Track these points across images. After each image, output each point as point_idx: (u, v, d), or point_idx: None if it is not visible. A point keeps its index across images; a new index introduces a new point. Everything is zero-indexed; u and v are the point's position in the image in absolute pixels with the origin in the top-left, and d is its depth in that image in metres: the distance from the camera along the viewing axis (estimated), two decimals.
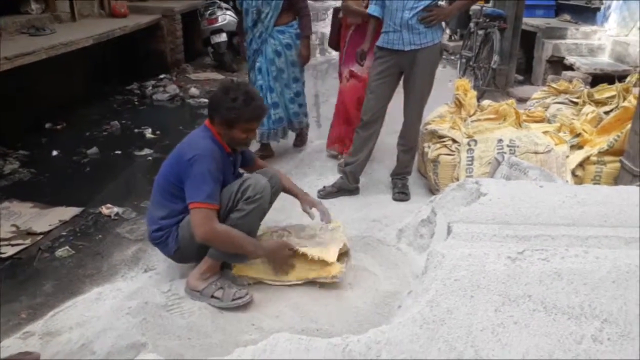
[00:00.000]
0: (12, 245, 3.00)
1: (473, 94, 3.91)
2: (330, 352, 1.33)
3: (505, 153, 3.24)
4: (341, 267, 2.39)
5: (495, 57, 5.56)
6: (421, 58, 3.20)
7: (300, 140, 4.58)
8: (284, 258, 2.39)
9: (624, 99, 3.52)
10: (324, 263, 2.38)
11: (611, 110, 3.49)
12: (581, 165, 3.27)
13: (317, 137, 4.99)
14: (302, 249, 2.41)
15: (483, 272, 1.43)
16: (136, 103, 6.13)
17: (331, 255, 2.39)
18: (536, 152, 3.25)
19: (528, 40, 6.69)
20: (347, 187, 3.62)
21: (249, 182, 2.34)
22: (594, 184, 3.23)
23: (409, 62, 3.23)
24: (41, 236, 3.11)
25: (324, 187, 3.67)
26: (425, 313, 1.38)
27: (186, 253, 2.40)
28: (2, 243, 3.01)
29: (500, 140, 3.33)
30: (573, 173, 3.25)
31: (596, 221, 1.67)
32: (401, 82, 3.41)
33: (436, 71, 3.40)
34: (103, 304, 2.26)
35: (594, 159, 3.24)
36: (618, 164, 3.11)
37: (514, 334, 1.33)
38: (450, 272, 1.44)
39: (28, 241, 3.05)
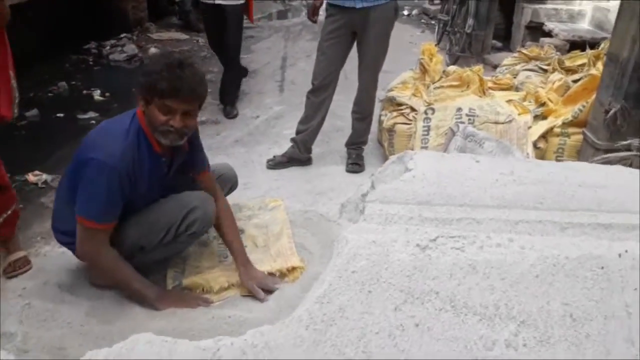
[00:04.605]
0: None
1: (439, 59, 3.63)
2: (197, 357, 1.12)
3: (463, 123, 3.01)
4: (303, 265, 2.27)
5: (470, 21, 5.27)
6: (374, 17, 2.91)
7: None
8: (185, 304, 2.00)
9: (595, 66, 3.28)
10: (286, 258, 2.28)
11: (580, 79, 3.25)
12: (544, 136, 3.05)
13: (278, 103, 4.72)
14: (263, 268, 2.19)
15: (386, 262, 1.22)
16: (91, 63, 5.77)
17: (294, 261, 2.26)
18: (496, 122, 3.02)
19: (508, 4, 6.36)
20: (298, 156, 3.39)
21: (197, 214, 1.95)
22: (557, 156, 3.03)
23: (361, 22, 2.95)
24: None
25: (274, 156, 3.44)
26: (314, 311, 1.16)
27: None
28: None
29: (459, 109, 3.09)
30: (535, 145, 3.03)
31: (531, 203, 1.45)
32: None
33: (392, 32, 3.12)
34: None
35: (557, 130, 3.02)
36: (582, 136, 2.90)
37: (414, 337, 1.12)
38: (349, 263, 1.22)
39: None
